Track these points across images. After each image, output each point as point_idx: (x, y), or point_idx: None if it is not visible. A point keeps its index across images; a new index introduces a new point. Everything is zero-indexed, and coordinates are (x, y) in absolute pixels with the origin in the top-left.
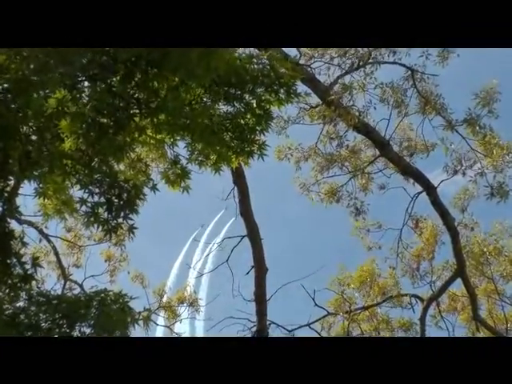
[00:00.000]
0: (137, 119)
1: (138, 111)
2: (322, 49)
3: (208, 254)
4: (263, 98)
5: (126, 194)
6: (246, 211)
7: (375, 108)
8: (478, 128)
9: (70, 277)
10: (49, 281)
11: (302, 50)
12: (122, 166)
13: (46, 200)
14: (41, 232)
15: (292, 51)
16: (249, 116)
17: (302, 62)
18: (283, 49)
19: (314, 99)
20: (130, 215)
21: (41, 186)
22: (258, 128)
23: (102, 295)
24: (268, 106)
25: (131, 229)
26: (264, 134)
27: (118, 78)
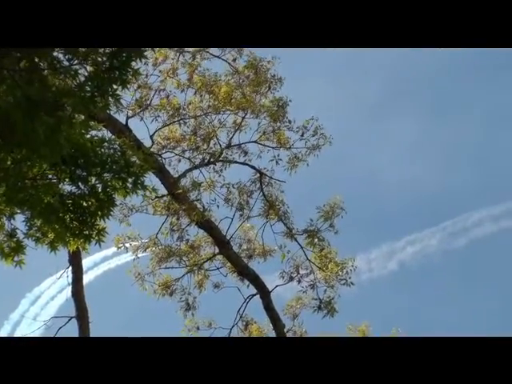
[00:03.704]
0: None
1: None
2: (175, 141)
3: (34, 331)
4: (109, 183)
5: None
6: (77, 293)
7: (218, 207)
8: (316, 240)
9: None
10: None
11: (156, 139)
12: None
13: None
14: None
15: (146, 140)
16: (92, 199)
17: (153, 150)
18: (139, 138)
19: (161, 189)
20: None
21: None
22: (99, 213)
23: None
24: (113, 193)
25: None
26: (105, 220)
27: None
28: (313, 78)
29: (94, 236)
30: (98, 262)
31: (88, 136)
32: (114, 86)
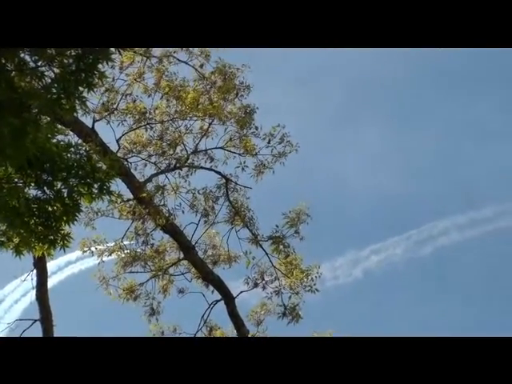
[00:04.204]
0: None
1: None
2: (141, 146)
3: None
4: (75, 189)
5: None
6: (42, 296)
7: (183, 212)
8: (282, 247)
9: None
10: None
11: (122, 143)
12: None
13: None
14: None
15: (112, 143)
16: (58, 204)
17: (120, 154)
18: (106, 142)
19: (126, 194)
20: None
21: None
22: (64, 218)
23: None
24: (78, 198)
25: None
26: (70, 225)
27: None
28: (280, 85)
29: (58, 241)
30: (62, 267)
31: (54, 140)
32: (81, 89)
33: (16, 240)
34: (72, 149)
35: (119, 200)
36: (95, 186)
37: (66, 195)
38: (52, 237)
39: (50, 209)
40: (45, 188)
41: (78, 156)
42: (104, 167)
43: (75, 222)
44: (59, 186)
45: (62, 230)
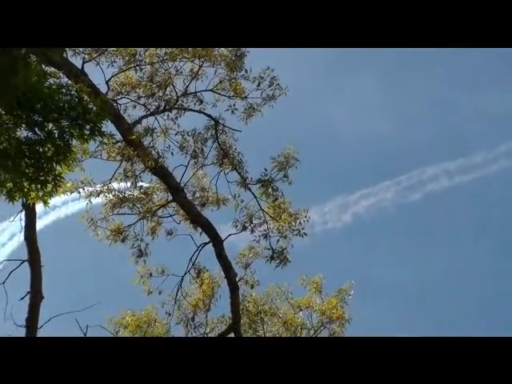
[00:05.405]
0: None
1: None
2: (130, 87)
3: None
4: (66, 130)
5: None
6: (30, 237)
7: (172, 154)
8: (270, 190)
9: None
10: None
11: (111, 84)
12: None
13: None
14: None
15: (102, 85)
16: (49, 145)
17: (109, 96)
18: (95, 84)
19: (116, 135)
20: None
21: None
22: (55, 158)
23: None
24: (69, 139)
25: None
26: (61, 166)
27: None
28: None
29: (50, 181)
30: (49, 211)
31: (46, 84)
32: None
33: (9, 185)
34: (63, 90)
35: (111, 141)
36: (87, 127)
37: (57, 136)
38: (43, 177)
39: (41, 150)
40: (36, 129)
41: (69, 97)
42: (95, 108)
43: (67, 163)
44: (50, 127)
45: (54, 170)
